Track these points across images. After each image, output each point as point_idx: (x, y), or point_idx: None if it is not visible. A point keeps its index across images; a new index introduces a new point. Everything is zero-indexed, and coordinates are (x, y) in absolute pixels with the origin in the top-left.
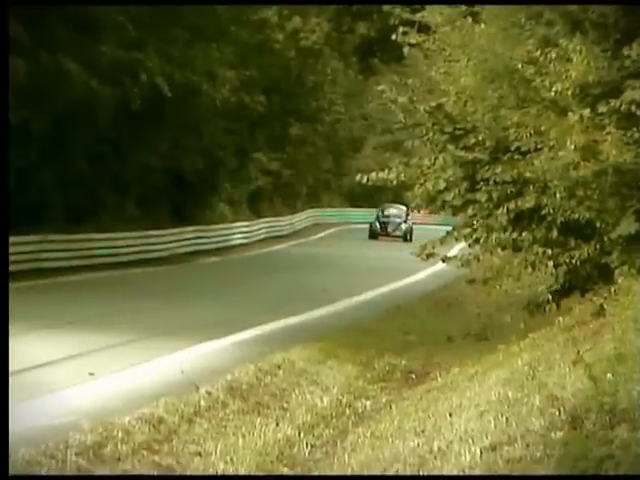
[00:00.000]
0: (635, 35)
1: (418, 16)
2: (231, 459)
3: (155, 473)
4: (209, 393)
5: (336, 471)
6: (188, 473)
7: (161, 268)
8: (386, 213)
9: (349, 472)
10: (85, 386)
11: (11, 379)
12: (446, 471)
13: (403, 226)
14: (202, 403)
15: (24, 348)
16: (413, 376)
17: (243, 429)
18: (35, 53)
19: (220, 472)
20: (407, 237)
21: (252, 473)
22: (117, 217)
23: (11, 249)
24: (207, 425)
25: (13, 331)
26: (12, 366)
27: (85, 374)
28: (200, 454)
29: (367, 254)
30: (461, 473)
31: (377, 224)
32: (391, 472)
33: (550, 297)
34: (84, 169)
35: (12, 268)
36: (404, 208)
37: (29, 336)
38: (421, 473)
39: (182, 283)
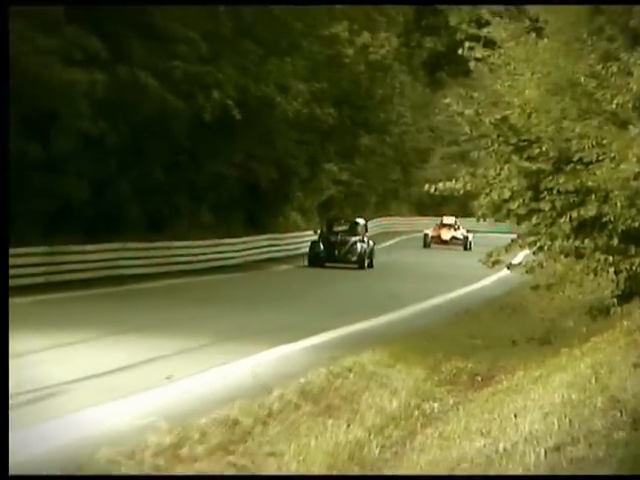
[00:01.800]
0: None
1: (484, 31)
2: (304, 459)
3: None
4: (283, 396)
5: (403, 470)
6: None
7: (235, 275)
8: (334, 230)
9: (416, 471)
10: (162, 389)
11: (92, 382)
12: (512, 471)
13: (359, 246)
14: (275, 405)
15: (104, 352)
16: (479, 379)
17: (315, 431)
18: (113, 67)
19: (293, 472)
20: (364, 263)
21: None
22: (193, 225)
23: (91, 257)
24: (280, 427)
25: (93, 335)
26: (93, 370)
27: (162, 377)
28: (274, 454)
29: (434, 261)
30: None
31: (320, 245)
32: (458, 472)
33: (614, 302)
34: (161, 178)
35: (92, 275)
36: (361, 222)
37: (108, 340)
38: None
39: (255, 290)
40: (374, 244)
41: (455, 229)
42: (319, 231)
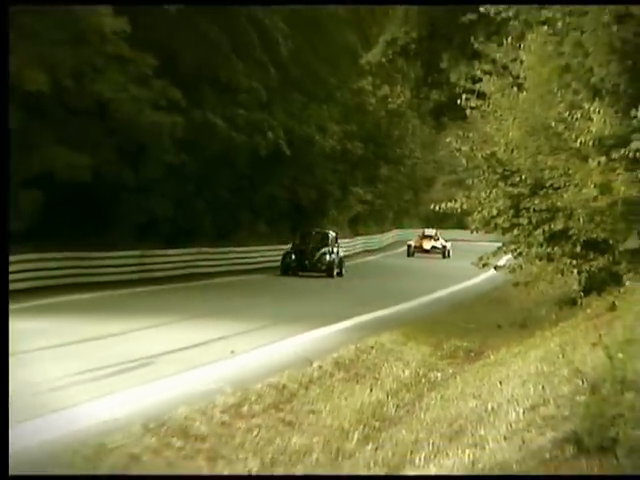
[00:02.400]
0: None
1: (477, 86)
2: (337, 415)
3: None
4: (321, 367)
5: (413, 425)
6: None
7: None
8: (306, 241)
9: (425, 423)
10: (227, 361)
11: (173, 355)
12: (491, 430)
13: (327, 257)
14: (315, 374)
15: (182, 332)
16: (472, 354)
17: (346, 393)
18: (190, 112)
19: (326, 426)
20: (333, 272)
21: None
22: (251, 234)
23: (172, 259)
24: (319, 390)
25: (174, 319)
26: (174, 345)
27: (227, 352)
28: (313, 412)
29: (437, 264)
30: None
31: (292, 255)
32: (454, 428)
33: (580, 294)
34: (227, 198)
35: (172, 273)
36: (331, 234)
37: (185, 323)
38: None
39: (298, 285)
40: (343, 255)
41: (435, 240)
42: (292, 242)
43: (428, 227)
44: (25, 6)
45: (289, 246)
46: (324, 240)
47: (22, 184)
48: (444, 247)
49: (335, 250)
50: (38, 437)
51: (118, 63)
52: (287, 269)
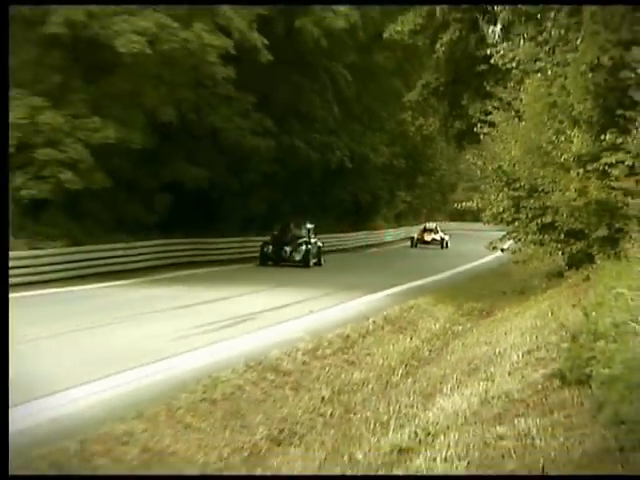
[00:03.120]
0: (608, 127)
1: (488, 118)
2: (386, 357)
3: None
4: (374, 321)
5: (441, 364)
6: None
7: (345, 254)
8: (284, 233)
9: (450, 363)
10: (307, 317)
11: (266, 313)
12: (499, 368)
13: (303, 248)
14: (370, 327)
15: (271, 297)
16: (484, 313)
17: (392, 341)
18: (279, 137)
19: (379, 365)
20: (309, 262)
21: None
22: (323, 227)
23: (254, 244)
24: (372, 339)
25: (263, 288)
26: (266, 307)
27: (306, 311)
28: (369, 354)
29: (457, 247)
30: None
31: (270, 246)
32: (472, 365)
33: (564, 269)
34: (306, 200)
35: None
36: (308, 226)
37: (272, 291)
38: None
39: (356, 262)
40: (321, 245)
41: (435, 233)
42: (271, 234)
43: (453, 221)
44: (25, 6)
45: (268, 238)
46: (301, 232)
47: (158, 190)
48: (442, 239)
49: (313, 241)
50: (169, 372)
51: (226, 101)
52: (264, 259)
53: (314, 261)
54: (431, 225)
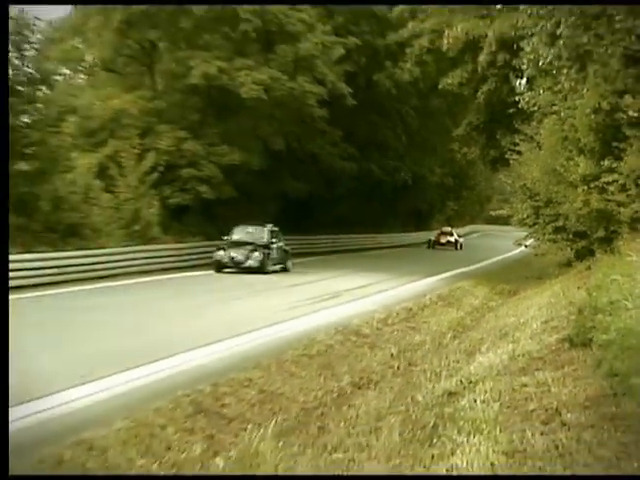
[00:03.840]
0: (606, 155)
1: (516, 147)
2: (438, 324)
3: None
4: (430, 299)
5: (480, 330)
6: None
7: (408, 249)
8: (236, 238)
9: (486, 329)
10: (379, 295)
11: (348, 291)
12: (522, 334)
13: (256, 254)
14: (427, 302)
15: (351, 280)
16: (511, 292)
17: (443, 313)
18: (360, 162)
19: (433, 330)
20: (265, 268)
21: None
22: (391, 227)
23: (351, 240)
24: (428, 312)
25: (345, 272)
26: (347, 287)
27: (377, 290)
28: (426, 322)
29: (491, 243)
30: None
31: (222, 252)
32: (502, 332)
33: (571, 261)
34: (379, 208)
35: (350, 247)
36: (267, 228)
37: (351, 275)
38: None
39: (415, 255)
40: (288, 250)
41: (450, 236)
42: (226, 238)
43: (488, 224)
44: (24, 6)
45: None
46: (257, 235)
47: (270, 198)
48: (456, 241)
49: (275, 245)
50: (280, 334)
51: (321, 133)
52: (218, 266)
53: (275, 268)
54: (447, 229)
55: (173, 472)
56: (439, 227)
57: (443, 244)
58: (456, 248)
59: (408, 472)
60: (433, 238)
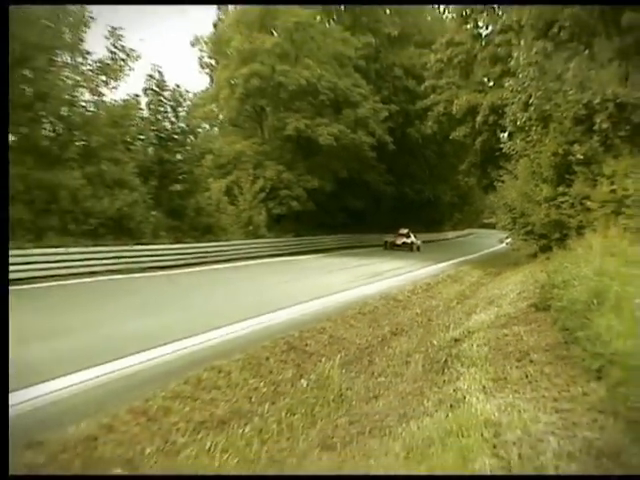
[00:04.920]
0: (561, 183)
1: (501, 178)
2: (448, 294)
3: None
4: (442, 277)
5: (476, 298)
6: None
7: (426, 245)
8: (401, 231)
9: (480, 298)
10: (408, 274)
11: (388, 272)
12: (503, 301)
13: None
14: (440, 280)
15: (389, 264)
16: (496, 274)
17: (450, 286)
18: (397, 186)
19: (444, 298)
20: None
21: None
22: (419, 231)
23: (384, 238)
24: (441, 285)
25: (383, 260)
26: (387, 269)
27: (406, 271)
28: (440, 293)
29: (484, 241)
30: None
31: (389, 239)
32: (490, 300)
33: (536, 254)
34: (411, 217)
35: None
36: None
37: (392, 260)
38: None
39: (431, 249)
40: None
41: (407, 237)
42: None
43: (482, 228)
44: (24, 5)
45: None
46: (406, 232)
47: (337, 210)
48: (412, 243)
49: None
50: (344, 298)
51: (372, 167)
52: (387, 247)
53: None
54: (404, 230)
55: (188, 469)
56: (449, 230)
57: (399, 245)
58: (411, 250)
59: (427, 391)
60: (389, 239)
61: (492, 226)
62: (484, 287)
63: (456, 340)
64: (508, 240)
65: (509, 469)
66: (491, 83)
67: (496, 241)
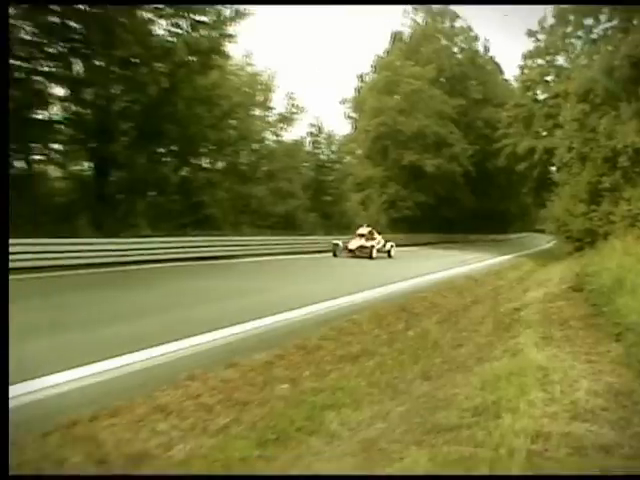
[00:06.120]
0: (592, 203)
1: (550, 199)
2: (511, 277)
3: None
4: (506, 266)
5: (529, 281)
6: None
7: (509, 241)
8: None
9: (532, 280)
10: (485, 262)
11: (470, 259)
12: (550, 283)
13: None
14: (505, 266)
15: (461, 255)
16: (543, 265)
17: (511, 272)
18: (479, 202)
19: (489, 288)
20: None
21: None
22: (488, 231)
23: (445, 237)
24: (506, 271)
25: (463, 252)
26: (466, 257)
27: (485, 259)
28: (505, 276)
29: (534, 241)
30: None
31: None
32: (531, 294)
33: (573, 252)
34: (486, 222)
35: (450, 239)
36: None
37: (470, 254)
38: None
39: (511, 244)
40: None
41: (367, 239)
42: None
43: (534, 232)
44: (24, 5)
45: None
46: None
47: (435, 218)
48: (372, 247)
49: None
50: (438, 278)
51: (460, 187)
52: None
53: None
54: (363, 230)
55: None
56: (512, 233)
57: (352, 251)
58: (370, 257)
59: (496, 343)
60: (341, 243)
61: (542, 231)
62: (535, 273)
63: (516, 309)
64: (553, 241)
65: (552, 399)
66: (545, 132)
67: (544, 242)
